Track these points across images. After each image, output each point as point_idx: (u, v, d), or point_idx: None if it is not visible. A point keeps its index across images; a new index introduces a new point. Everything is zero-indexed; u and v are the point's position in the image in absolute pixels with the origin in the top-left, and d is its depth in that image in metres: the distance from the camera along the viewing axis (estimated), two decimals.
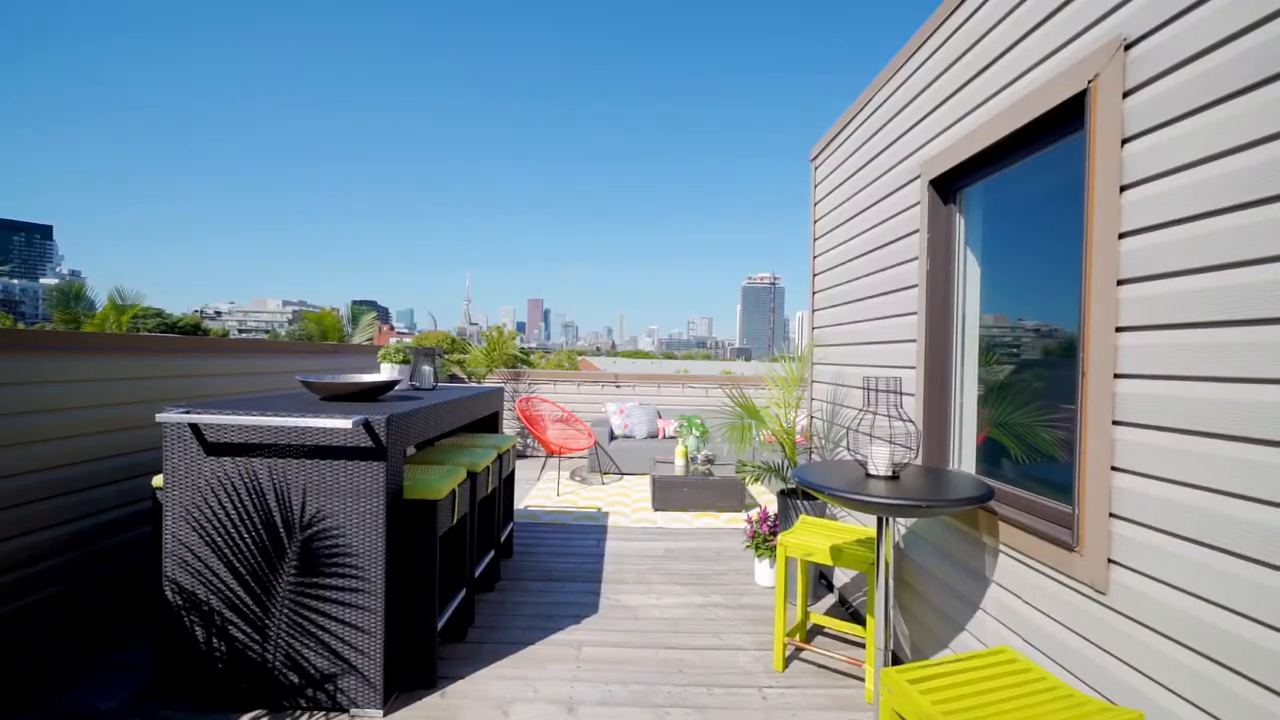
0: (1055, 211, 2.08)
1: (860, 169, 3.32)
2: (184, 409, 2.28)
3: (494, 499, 3.57)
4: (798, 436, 3.95)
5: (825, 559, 2.66)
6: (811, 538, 2.81)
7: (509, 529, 4.07)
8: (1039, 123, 1.93)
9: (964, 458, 2.53)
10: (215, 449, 2.30)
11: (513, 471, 4.13)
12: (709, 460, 5.94)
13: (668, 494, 5.58)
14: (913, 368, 2.70)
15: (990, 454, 2.41)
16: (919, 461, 2.52)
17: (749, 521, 3.90)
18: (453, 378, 7.95)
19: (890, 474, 2.11)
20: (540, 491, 6.15)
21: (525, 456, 7.95)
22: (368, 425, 2.27)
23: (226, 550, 2.29)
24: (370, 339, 6.73)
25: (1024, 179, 2.21)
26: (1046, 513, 1.91)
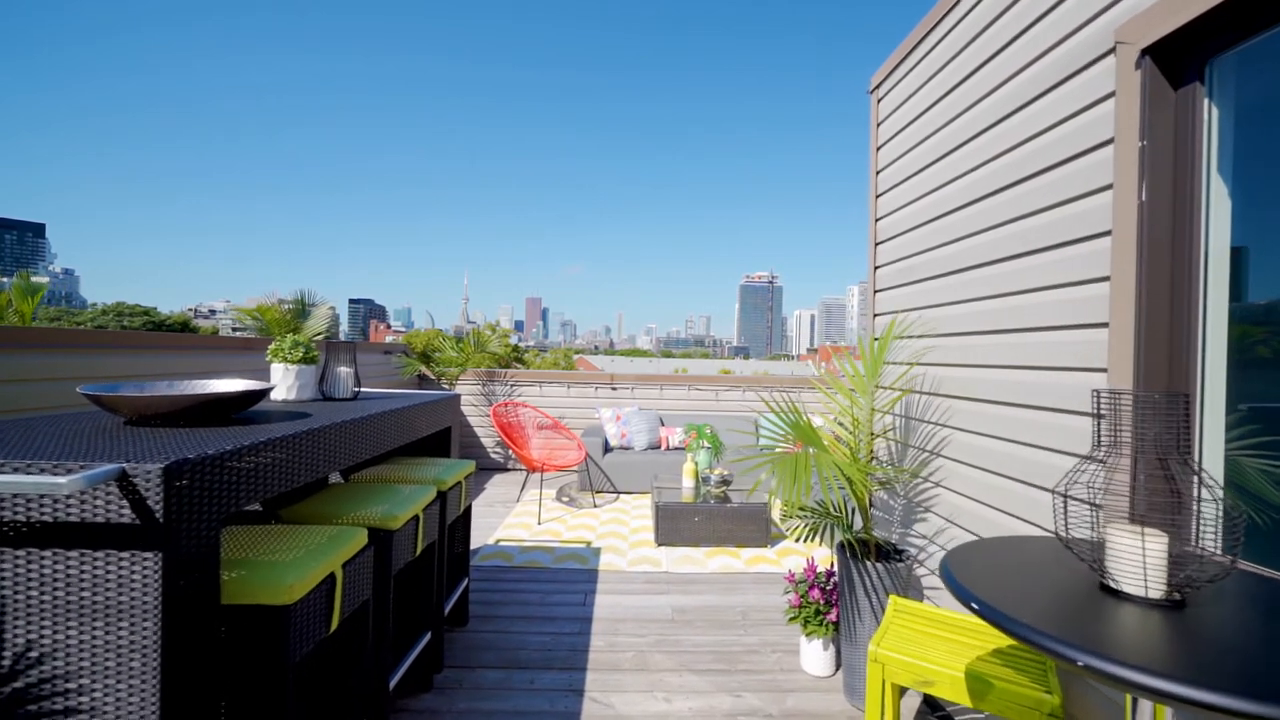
0: None
1: (976, 70, 2.22)
2: None
3: (432, 556, 2.48)
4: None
5: (958, 696, 1.57)
6: (924, 650, 1.72)
7: (462, 588, 2.98)
8: None
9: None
10: None
11: (468, 509, 3.03)
12: (724, 480, 4.82)
13: (674, 525, 4.49)
14: (1102, 370, 1.62)
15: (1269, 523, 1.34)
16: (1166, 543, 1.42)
17: (791, 581, 2.81)
18: (422, 379, 6.84)
19: (1170, 599, 1.02)
20: (518, 517, 5.06)
21: (506, 470, 6.86)
22: (123, 483, 1.18)
23: None
24: (326, 333, 5.56)
25: None
26: None
